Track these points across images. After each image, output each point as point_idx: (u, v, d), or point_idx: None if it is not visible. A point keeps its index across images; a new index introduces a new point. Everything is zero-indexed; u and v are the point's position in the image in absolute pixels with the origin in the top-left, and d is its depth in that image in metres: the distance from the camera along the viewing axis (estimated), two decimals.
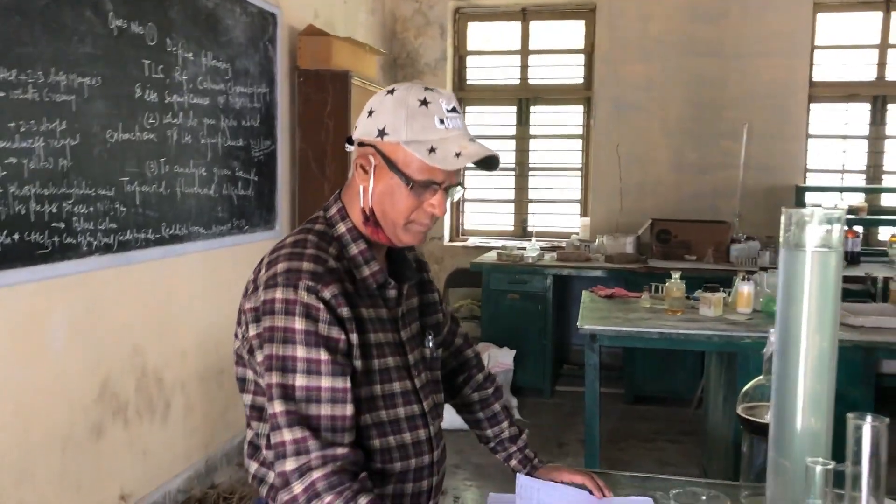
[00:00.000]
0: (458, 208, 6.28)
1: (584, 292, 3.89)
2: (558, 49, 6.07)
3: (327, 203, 1.37)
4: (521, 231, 6.15)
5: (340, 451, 1.18)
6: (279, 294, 1.21)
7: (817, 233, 1.19)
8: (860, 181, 5.73)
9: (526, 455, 1.59)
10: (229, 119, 3.64)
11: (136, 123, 2.98)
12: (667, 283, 3.45)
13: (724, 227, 5.26)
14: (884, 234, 5.67)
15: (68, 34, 2.62)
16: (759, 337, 2.93)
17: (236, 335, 1.32)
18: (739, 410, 1.53)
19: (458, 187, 1.31)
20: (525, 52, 6.07)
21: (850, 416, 1.10)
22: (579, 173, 6.08)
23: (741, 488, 1.54)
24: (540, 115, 6.13)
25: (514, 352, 4.89)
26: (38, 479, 2.60)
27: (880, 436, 1.08)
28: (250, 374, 1.31)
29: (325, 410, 1.19)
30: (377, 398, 1.28)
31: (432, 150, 1.23)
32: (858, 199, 5.45)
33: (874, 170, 5.68)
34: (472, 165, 1.28)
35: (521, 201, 6.18)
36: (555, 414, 4.77)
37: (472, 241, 6.11)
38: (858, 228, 5.32)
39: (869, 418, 1.08)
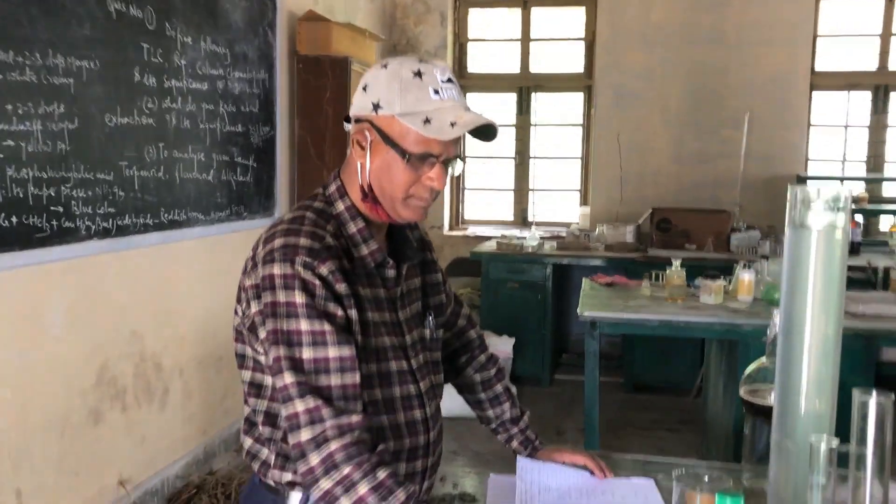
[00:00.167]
0: (457, 197, 6.27)
1: (584, 280, 3.88)
2: (559, 37, 6.04)
3: (326, 181, 1.36)
4: (521, 220, 6.14)
5: (355, 418, 1.17)
6: (277, 269, 1.20)
7: (823, 210, 1.17)
8: (861, 171, 5.72)
9: (527, 437, 1.59)
10: (228, 104, 3.62)
11: (135, 107, 2.96)
12: (667, 271, 3.44)
13: (724, 217, 5.25)
14: (884, 223, 5.67)
15: (67, 16, 2.59)
16: (759, 324, 2.92)
17: (236, 311, 1.31)
18: (742, 393, 1.52)
19: (458, 161, 1.29)
20: (526, 39, 6.04)
21: (856, 391, 1.09)
22: (579, 162, 6.07)
23: (743, 470, 1.53)
24: (540, 104, 6.10)
25: (513, 340, 4.89)
26: (37, 463, 2.59)
27: (886, 413, 1.07)
28: (249, 351, 1.30)
29: (334, 380, 1.18)
30: (372, 377, 1.27)
31: (427, 120, 1.21)
32: (859, 189, 5.44)
33: (875, 159, 5.67)
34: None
35: (521, 190, 6.17)
36: (554, 402, 4.77)
37: (472, 230, 6.09)
38: (859, 218, 5.32)
39: (875, 393, 1.07)
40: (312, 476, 1.15)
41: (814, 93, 5.62)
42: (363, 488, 1.13)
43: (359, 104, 1.28)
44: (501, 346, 4.80)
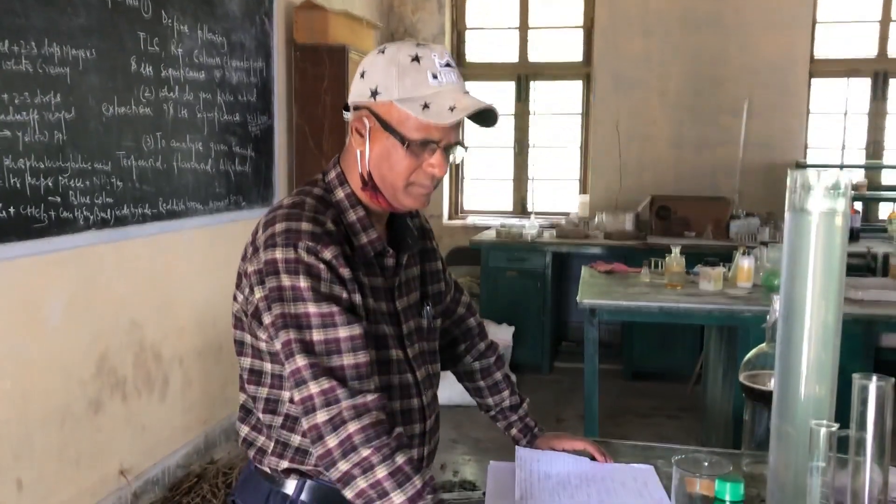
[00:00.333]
0: (457, 186, 6.26)
1: (583, 268, 3.88)
2: (557, 24, 6.02)
3: (326, 167, 1.35)
4: (521, 209, 6.13)
5: (370, 397, 1.16)
6: (279, 254, 1.19)
7: (823, 196, 1.17)
8: (860, 158, 5.71)
9: (526, 424, 1.58)
10: (225, 94, 3.61)
11: (132, 97, 2.95)
12: (666, 258, 3.44)
13: (723, 204, 5.24)
14: (883, 210, 5.66)
15: (62, 5, 2.58)
16: (759, 311, 2.92)
17: (235, 298, 1.30)
18: (742, 378, 1.52)
19: (459, 147, 1.28)
20: (524, 27, 6.02)
21: (856, 376, 1.09)
22: (578, 150, 6.05)
23: (743, 456, 1.53)
24: (539, 92, 6.08)
25: (512, 329, 4.90)
26: (37, 453, 2.60)
27: (886, 397, 1.07)
28: (248, 338, 1.29)
29: (347, 360, 1.17)
30: (371, 364, 1.26)
31: (426, 106, 1.20)
32: (858, 176, 5.44)
33: (874, 146, 5.66)
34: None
35: (521, 179, 6.16)
36: (553, 390, 4.78)
37: (472, 220, 6.09)
38: (858, 205, 5.31)
39: (875, 378, 1.07)
40: (330, 458, 1.14)
41: (813, 80, 5.61)
42: (381, 472, 1.13)
43: (357, 91, 1.27)
44: (501, 334, 4.81)
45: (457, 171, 6.20)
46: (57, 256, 2.63)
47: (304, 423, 1.16)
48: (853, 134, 5.70)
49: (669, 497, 1.33)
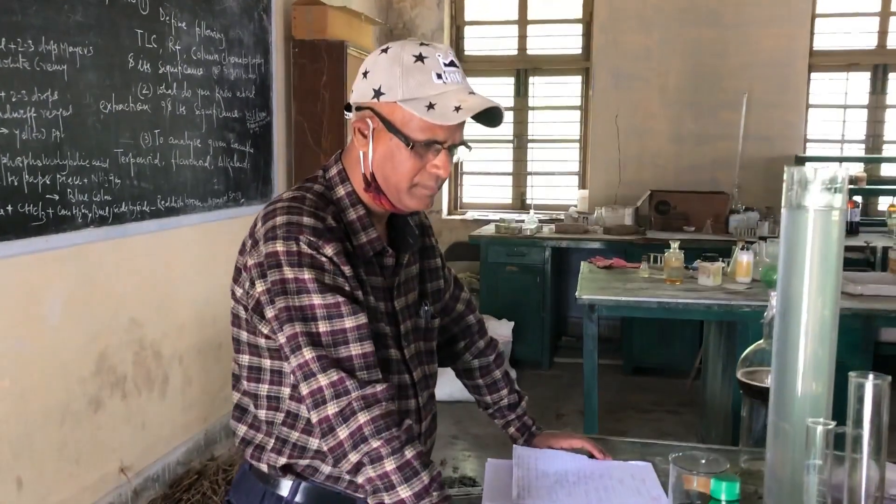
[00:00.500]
0: (456, 182, 6.25)
1: (582, 263, 3.88)
2: (556, 19, 6.00)
3: (327, 163, 1.33)
4: (520, 204, 6.13)
5: (379, 387, 1.16)
6: (280, 247, 1.18)
7: (819, 191, 1.17)
8: (860, 151, 5.70)
9: (524, 423, 1.58)
10: (224, 90, 3.60)
11: (130, 94, 2.94)
12: (665, 254, 3.44)
13: (722, 198, 5.24)
14: (883, 203, 5.66)
15: (59, 2, 2.57)
16: (758, 306, 2.92)
17: (233, 293, 1.29)
18: (739, 375, 1.52)
19: (463, 147, 1.27)
20: (523, 21, 6.00)
21: (852, 374, 1.09)
22: (578, 145, 6.05)
23: (741, 453, 1.53)
24: (538, 87, 6.07)
25: (512, 324, 4.90)
26: (37, 451, 2.60)
27: (882, 395, 1.07)
28: (244, 336, 1.29)
29: (354, 350, 1.17)
30: None
31: (430, 106, 1.18)
32: (858, 169, 5.43)
33: (874, 139, 5.65)
34: (476, 126, 1.23)
35: (520, 174, 6.15)
36: (553, 386, 4.78)
37: (471, 215, 6.08)
38: (858, 198, 5.31)
39: (871, 376, 1.07)
40: (341, 450, 1.14)
41: (812, 73, 5.59)
42: (389, 465, 1.13)
43: (359, 91, 1.25)
44: (500, 329, 4.81)
45: (456, 166, 6.18)
46: (55, 254, 2.63)
47: (314, 417, 1.16)
48: (853, 127, 5.69)
49: (667, 494, 1.33)
